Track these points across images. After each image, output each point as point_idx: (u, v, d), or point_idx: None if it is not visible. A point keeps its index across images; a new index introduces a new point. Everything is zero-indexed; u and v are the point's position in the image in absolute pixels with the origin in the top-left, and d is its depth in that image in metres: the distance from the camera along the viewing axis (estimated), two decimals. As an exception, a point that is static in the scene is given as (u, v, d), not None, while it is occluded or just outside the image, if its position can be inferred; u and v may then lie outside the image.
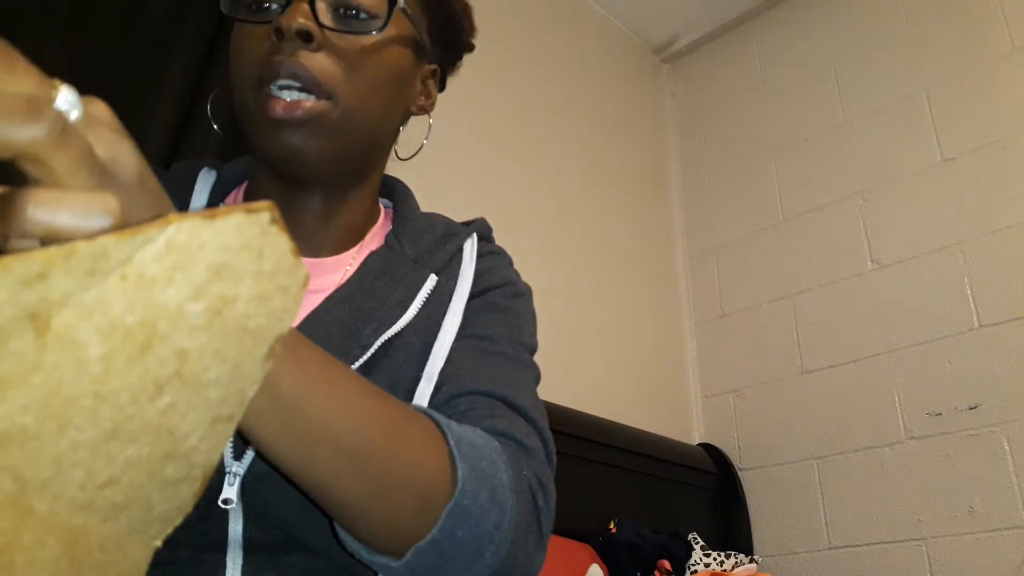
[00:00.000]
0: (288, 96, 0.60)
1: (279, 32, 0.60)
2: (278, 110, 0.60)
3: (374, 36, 0.64)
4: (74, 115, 0.32)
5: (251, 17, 0.64)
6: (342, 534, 0.51)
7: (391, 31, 0.65)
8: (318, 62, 0.61)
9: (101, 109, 0.35)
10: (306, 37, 0.61)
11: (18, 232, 0.29)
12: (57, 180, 0.30)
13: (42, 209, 0.29)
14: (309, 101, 0.61)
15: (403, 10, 0.67)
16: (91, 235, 0.28)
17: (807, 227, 2.37)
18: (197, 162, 0.76)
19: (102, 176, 0.32)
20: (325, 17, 0.63)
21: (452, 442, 0.51)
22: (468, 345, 0.66)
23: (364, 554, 0.51)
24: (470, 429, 0.55)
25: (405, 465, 0.48)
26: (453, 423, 0.54)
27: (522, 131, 2.27)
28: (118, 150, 0.34)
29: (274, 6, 0.64)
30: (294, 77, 0.60)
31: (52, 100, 0.31)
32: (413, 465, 0.49)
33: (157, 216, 0.31)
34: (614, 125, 2.62)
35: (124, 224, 0.31)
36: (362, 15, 0.64)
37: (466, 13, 0.77)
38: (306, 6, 0.61)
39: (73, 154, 0.31)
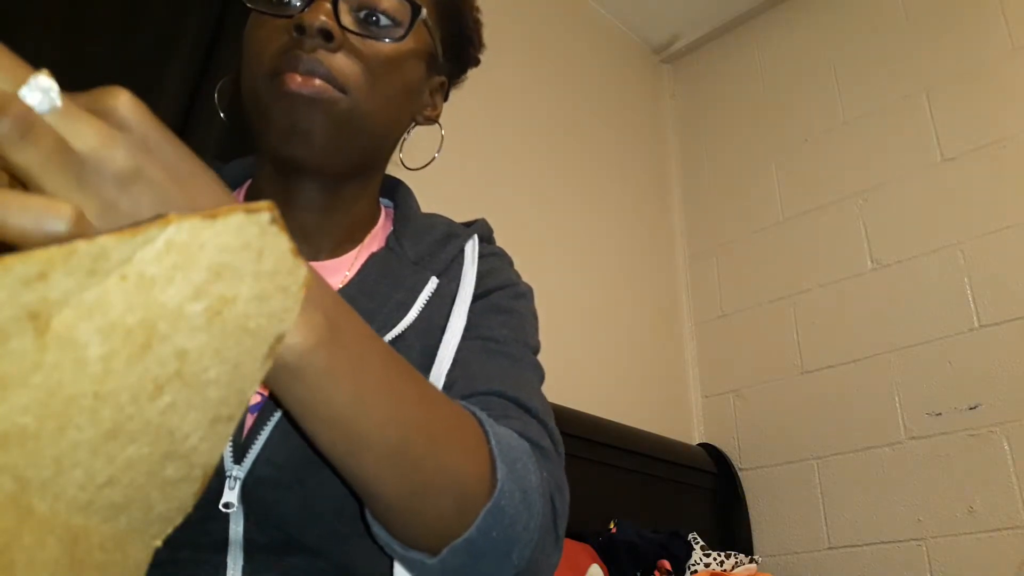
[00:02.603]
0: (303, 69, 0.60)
1: (300, 28, 0.60)
2: (292, 85, 0.60)
3: (393, 44, 0.64)
4: (45, 106, 0.31)
5: (271, 9, 0.63)
6: (375, 527, 0.51)
7: (409, 41, 0.66)
8: (336, 62, 0.61)
9: (113, 100, 0.34)
10: (327, 36, 0.60)
11: None
12: (25, 177, 0.30)
13: None
14: (322, 83, 0.61)
15: (424, 21, 0.67)
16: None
17: (807, 227, 2.37)
18: None
19: (78, 174, 0.31)
20: (347, 19, 0.63)
21: (494, 442, 0.52)
22: (474, 346, 0.66)
23: (397, 548, 0.51)
24: (506, 430, 0.55)
25: (449, 468, 0.49)
26: (494, 422, 0.54)
27: (522, 131, 2.27)
28: (102, 143, 0.32)
29: (296, 1, 0.63)
30: (311, 73, 0.60)
31: (17, 92, 0.30)
32: (457, 468, 0.49)
33: (158, 216, 0.31)
34: (614, 125, 2.62)
35: (87, 227, 0.30)
36: (384, 21, 0.64)
37: (476, 28, 0.77)
38: (328, 5, 0.61)
39: (38, 153, 0.29)
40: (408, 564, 0.51)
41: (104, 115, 0.33)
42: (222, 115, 0.74)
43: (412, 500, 0.48)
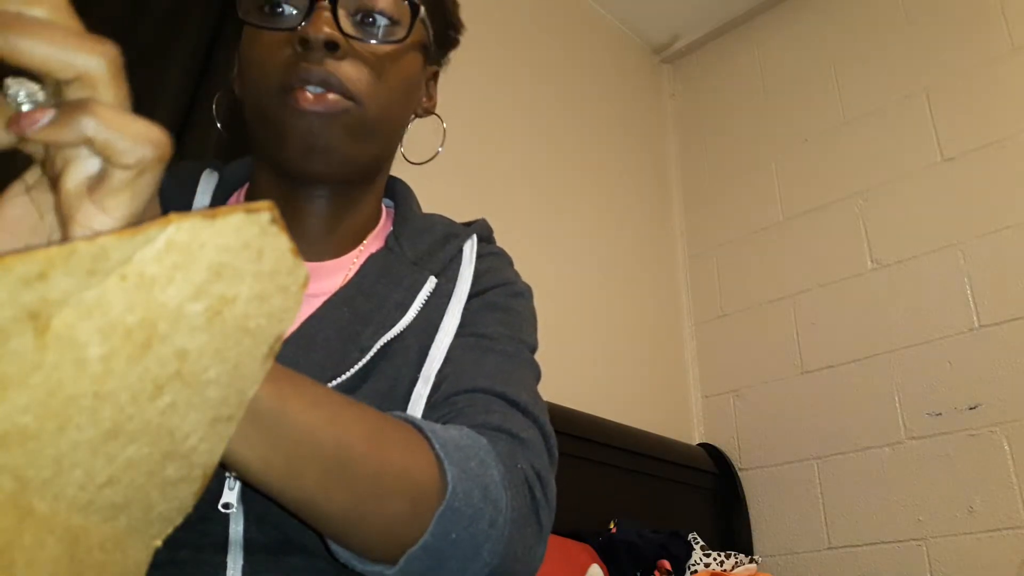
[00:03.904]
0: (316, 89, 0.60)
1: (305, 42, 0.60)
2: (305, 103, 0.60)
3: (395, 45, 0.64)
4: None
5: (269, 24, 0.63)
6: (334, 548, 0.51)
7: (409, 38, 0.66)
8: (345, 70, 0.61)
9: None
10: (332, 47, 0.60)
11: (71, 137, 0.32)
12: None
13: (103, 124, 0.32)
14: (335, 95, 0.61)
15: (423, 20, 0.67)
16: (93, 235, 0.29)
17: (807, 227, 2.37)
18: (200, 164, 0.76)
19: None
20: (347, 25, 0.63)
21: (437, 446, 0.51)
22: (467, 343, 0.66)
23: (357, 564, 0.50)
24: (456, 429, 0.55)
25: (393, 470, 0.48)
26: (437, 427, 0.54)
27: (522, 131, 2.27)
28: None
29: (292, 11, 0.63)
30: (324, 84, 0.60)
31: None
32: (401, 469, 0.48)
33: (158, 216, 0.31)
34: (614, 125, 2.62)
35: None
36: (382, 21, 0.64)
37: (455, 10, 0.77)
38: (328, 14, 0.61)
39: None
40: None
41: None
42: (219, 127, 0.74)
43: (361, 509, 0.47)
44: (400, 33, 0.64)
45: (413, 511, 0.49)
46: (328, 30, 0.60)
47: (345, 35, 0.62)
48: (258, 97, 0.63)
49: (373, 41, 0.63)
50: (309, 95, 0.60)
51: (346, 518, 0.47)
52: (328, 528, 0.49)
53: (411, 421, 0.53)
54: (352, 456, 0.46)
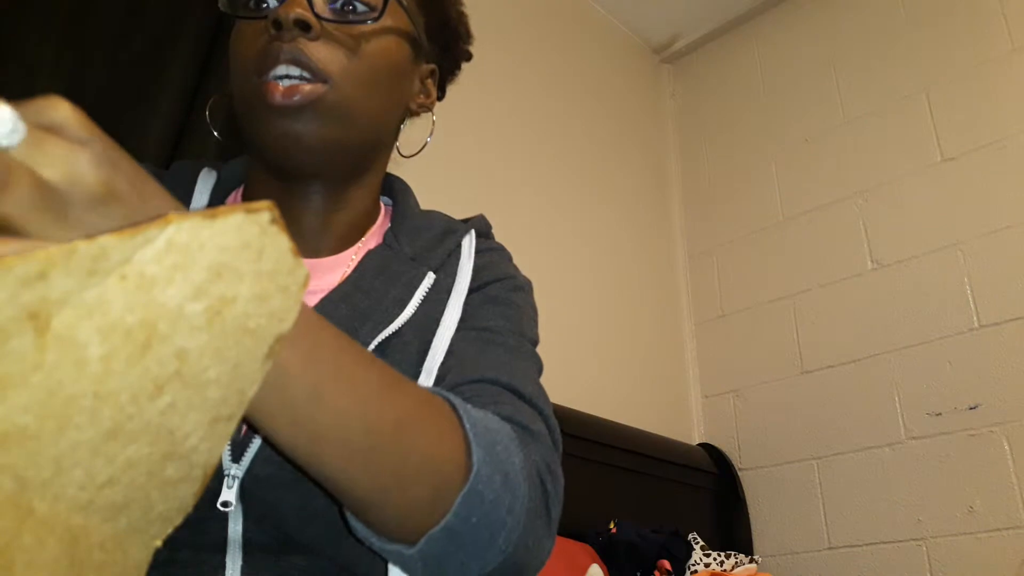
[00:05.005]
0: (286, 82, 0.60)
1: (277, 23, 0.60)
2: (276, 96, 0.60)
3: (370, 26, 0.65)
4: (15, 139, 0.29)
5: (249, 14, 0.64)
6: (352, 522, 0.51)
7: (387, 22, 0.66)
8: (316, 50, 0.62)
9: (60, 113, 0.32)
10: (304, 26, 0.61)
11: None
12: (9, 227, 0.29)
13: None
14: (307, 85, 0.61)
15: (399, 1, 0.67)
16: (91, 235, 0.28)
17: (807, 227, 2.37)
18: (198, 163, 0.76)
19: (57, 208, 0.30)
20: (322, 8, 0.63)
21: (468, 426, 0.51)
22: (469, 337, 0.66)
23: (375, 542, 0.50)
24: (484, 412, 0.55)
25: (418, 457, 0.48)
26: (469, 406, 0.54)
27: (522, 131, 2.27)
28: (72, 165, 0.31)
29: (272, 2, 0.64)
30: (294, 62, 0.61)
31: None
32: (427, 456, 0.48)
33: (157, 216, 0.31)
34: (614, 125, 2.62)
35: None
36: (359, 6, 0.65)
37: (461, 20, 0.78)
38: None
39: (19, 196, 0.29)
40: (389, 556, 0.51)
41: (58, 131, 0.31)
42: (215, 133, 0.74)
43: (383, 492, 0.47)
44: (374, 16, 0.65)
45: (435, 494, 0.49)
46: (299, 10, 0.61)
47: (318, 17, 0.62)
48: (239, 89, 0.64)
49: (346, 23, 0.64)
50: (280, 87, 0.60)
51: (368, 499, 0.48)
52: (348, 504, 0.49)
53: (447, 398, 0.53)
54: (379, 443, 0.46)
